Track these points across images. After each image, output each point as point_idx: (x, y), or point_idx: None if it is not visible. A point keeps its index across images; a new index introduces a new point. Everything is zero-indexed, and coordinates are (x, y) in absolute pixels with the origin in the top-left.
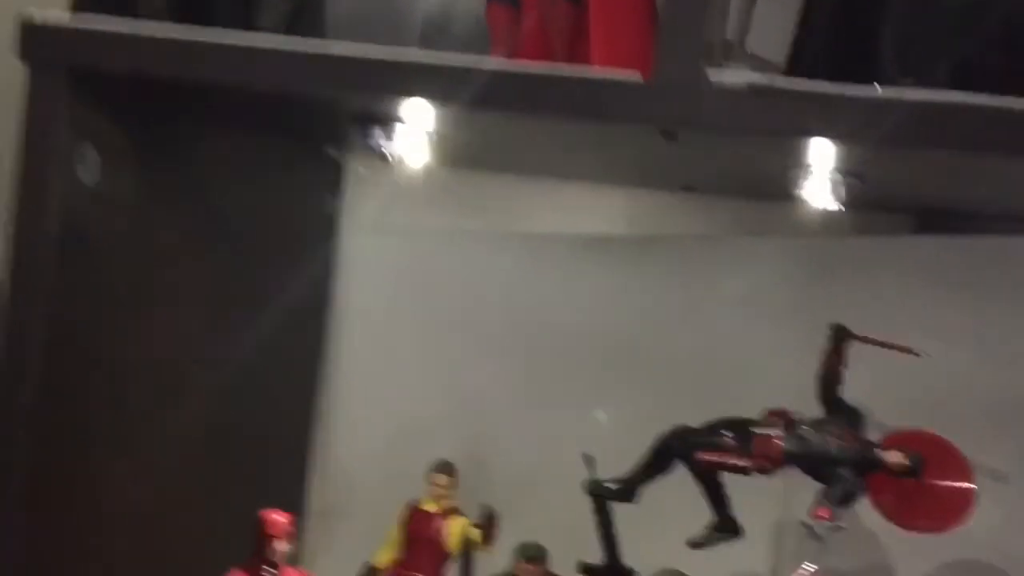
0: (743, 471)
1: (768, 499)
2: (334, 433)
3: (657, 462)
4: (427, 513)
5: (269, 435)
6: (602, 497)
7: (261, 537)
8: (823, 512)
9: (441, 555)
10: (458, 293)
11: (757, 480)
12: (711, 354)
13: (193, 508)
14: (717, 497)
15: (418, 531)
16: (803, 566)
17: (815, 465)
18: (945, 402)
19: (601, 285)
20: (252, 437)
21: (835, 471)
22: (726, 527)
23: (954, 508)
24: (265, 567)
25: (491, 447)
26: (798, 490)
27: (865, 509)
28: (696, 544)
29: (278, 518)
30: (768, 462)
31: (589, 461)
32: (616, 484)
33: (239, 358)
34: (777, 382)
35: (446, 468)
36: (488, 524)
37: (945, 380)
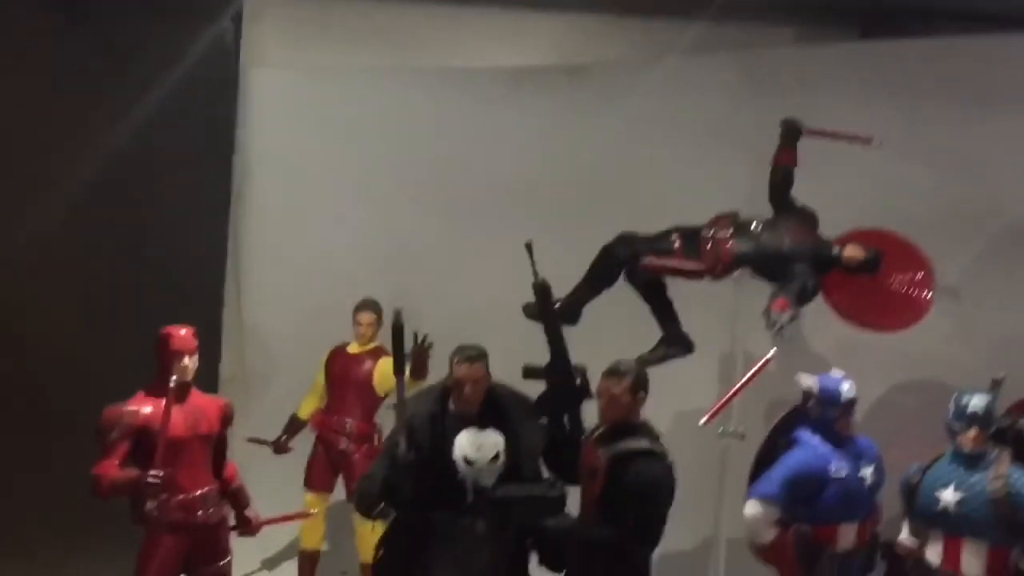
0: (694, 275)
1: (718, 318)
2: (248, 285)
3: (601, 272)
4: (353, 355)
5: (181, 288)
6: (543, 319)
7: (165, 355)
8: (781, 303)
9: (370, 397)
10: (374, 133)
11: (707, 300)
12: (655, 181)
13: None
14: (665, 311)
15: (344, 374)
16: (768, 354)
17: (768, 264)
18: (894, 210)
19: (531, 119)
20: (164, 290)
21: (790, 267)
22: (676, 341)
23: (913, 303)
24: (170, 386)
25: (420, 292)
26: (749, 305)
27: (813, 336)
28: (647, 362)
29: (180, 331)
30: (719, 264)
31: (529, 249)
32: (560, 304)
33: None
34: (725, 197)
35: (370, 306)
36: (418, 355)
37: (893, 190)
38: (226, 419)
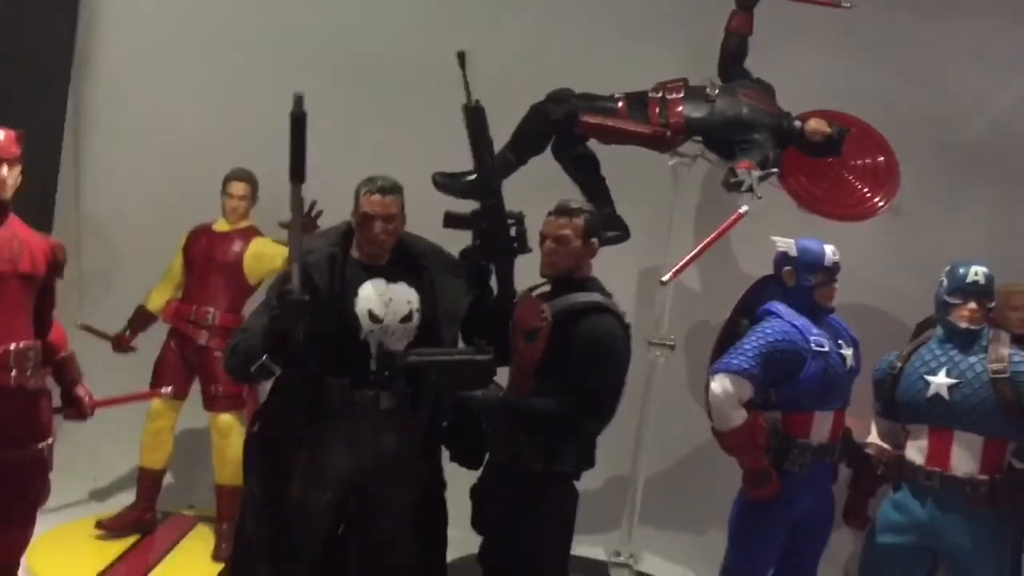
0: (637, 139)
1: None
2: (87, 165)
3: (529, 135)
4: (220, 234)
5: None
6: (474, 149)
7: None
8: (745, 164)
9: (239, 284)
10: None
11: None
12: (579, 75)
13: None
14: (598, 190)
15: (208, 256)
16: (740, 209)
17: (724, 132)
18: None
19: None
20: None
21: (749, 137)
22: (610, 225)
23: (874, 194)
24: None
25: (283, 176)
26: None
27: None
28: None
29: None
30: (668, 129)
31: (462, 60)
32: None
33: None
34: (659, 69)
35: (244, 176)
36: (304, 227)
37: (840, 96)
38: (55, 264)
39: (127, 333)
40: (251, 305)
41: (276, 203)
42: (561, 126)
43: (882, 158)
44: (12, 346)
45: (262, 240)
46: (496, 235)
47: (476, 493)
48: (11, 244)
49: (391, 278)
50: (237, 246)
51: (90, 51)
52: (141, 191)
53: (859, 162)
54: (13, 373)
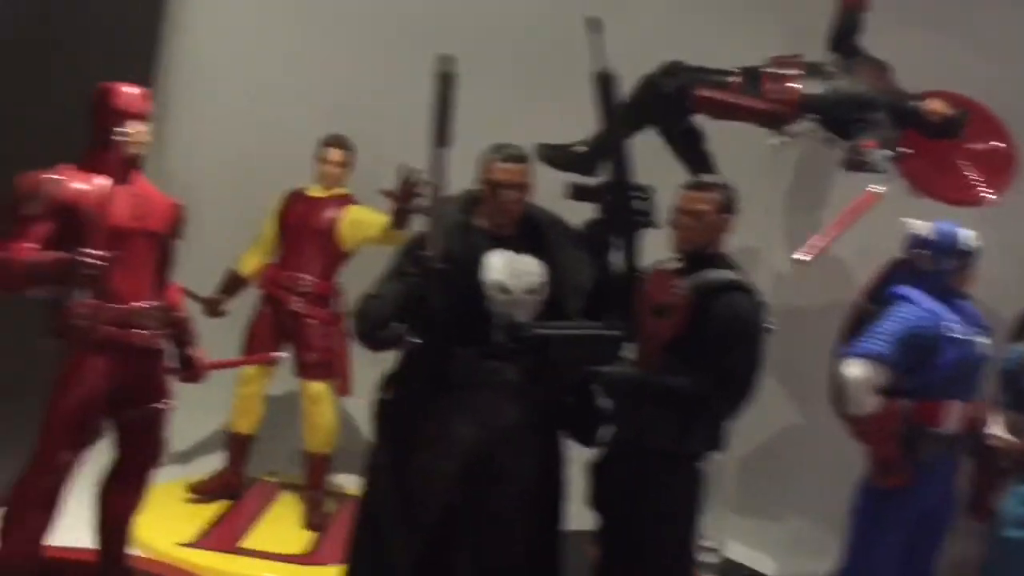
0: (752, 115)
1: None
2: (173, 126)
3: (640, 108)
4: (315, 200)
5: None
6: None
7: (104, 116)
8: (869, 143)
9: (333, 252)
10: None
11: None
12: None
13: None
14: (705, 166)
15: (303, 222)
16: (869, 187)
17: (843, 111)
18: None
19: None
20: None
21: (868, 116)
22: None
23: (995, 176)
24: (106, 154)
25: (379, 144)
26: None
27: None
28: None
29: (125, 88)
30: (783, 107)
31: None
32: (582, 148)
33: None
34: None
35: (341, 142)
36: (404, 195)
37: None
38: (178, 222)
39: (219, 298)
40: (345, 272)
41: (365, 171)
42: (673, 99)
43: (1002, 145)
44: (139, 305)
45: (357, 208)
46: (623, 209)
47: (595, 470)
48: (140, 202)
49: (517, 249)
50: (332, 212)
51: (177, 13)
52: (224, 154)
53: (976, 147)
54: (138, 332)
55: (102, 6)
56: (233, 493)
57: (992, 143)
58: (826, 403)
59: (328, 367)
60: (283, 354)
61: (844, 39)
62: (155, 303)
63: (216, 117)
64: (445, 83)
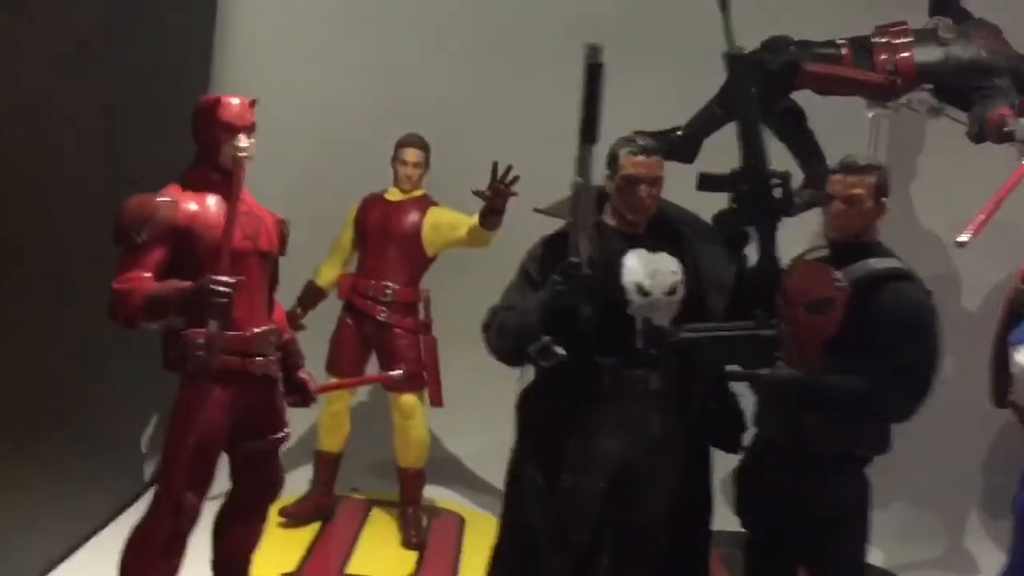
0: (865, 88)
1: None
2: None
3: (739, 83)
4: (394, 204)
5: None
6: (737, 104)
7: (210, 130)
8: (1003, 111)
9: (417, 257)
10: None
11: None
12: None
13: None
14: (808, 146)
15: (384, 228)
16: None
17: (961, 78)
18: None
19: None
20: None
21: (990, 83)
22: (819, 182)
23: None
24: (215, 172)
25: (443, 151)
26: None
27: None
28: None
29: (232, 100)
30: (897, 77)
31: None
32: (681, 131)
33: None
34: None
35: (417, 142)
36: (496, 195)
37: None
38: (284, 238)
39: (298, 311)
40: (428, 278)
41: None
42: (779, 76)
43: None
44: (256, 330)
45: (439, 209)
46: (759, 197)
47: (745, 478)
48: (249, 219)
49: (652, 247)
50: (413, 216)
51: (232, 18)
52: (288, 163)
53: None
54: (259, 360)
55: (158, 19)
56: (325, 514)
57: None
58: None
59: (418, 378)
60: (400, 371)
61: (949, 2)
62: (271, 327)
63: (277, 126)
64: (593, 74)
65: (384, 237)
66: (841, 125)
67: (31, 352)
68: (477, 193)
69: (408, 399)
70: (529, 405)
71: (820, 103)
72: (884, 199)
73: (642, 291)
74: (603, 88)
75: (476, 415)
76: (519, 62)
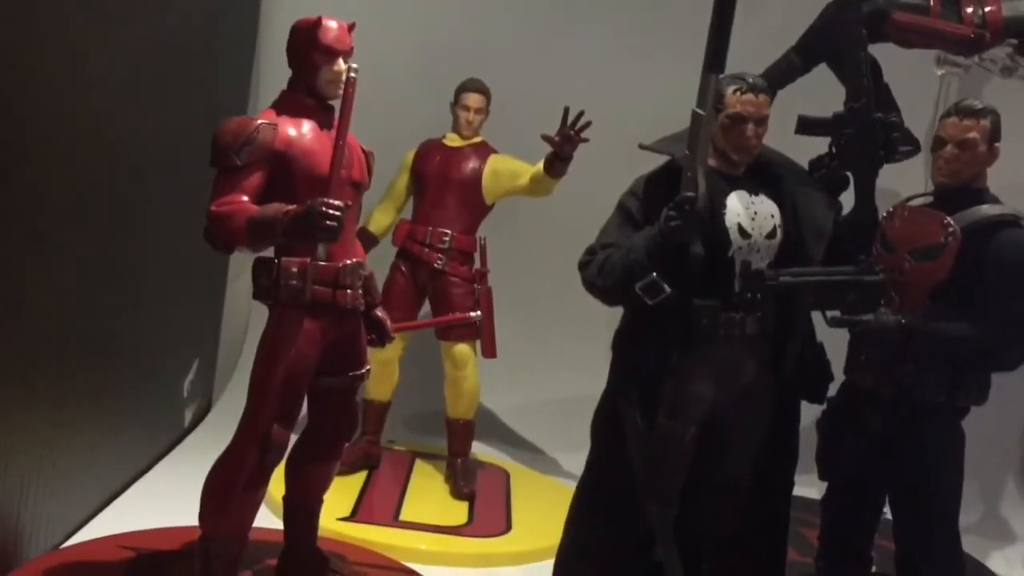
0: (952, 40)
1: None
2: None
3: (822, 36)
4: (454, 150)
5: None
6: (844, 45)
7: (308, 54)
8: None
9: (476, 205)
10: None
11: None
12: None
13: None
14: (883, 96)
15: (443, 174)
16: None
17: None
18: None
19: None
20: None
21: None
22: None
23: None
24: (311, 97)
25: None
26: None
27: None
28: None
29: (331, 23)
30: (986, 29)
31: None
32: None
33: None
34: None
35: (480, 87)
36: (565, 140)
37: None
38: (371, 170)
39: None
40: (485, 227)
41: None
42: (865, 26)
43: None
44: (348, 262)
45: (500, 157)
46: (863, 142)
47: (828, 428)
48: (345, 149)
49: (752, 190)
50: (474, 163)
51: (275, 11)
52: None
53: None
54: (349, 292)
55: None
56: (372, 463)
57: None
58: None
59: (472, 328)
60: (478, 313)
61: None
62: (360, 260)
63: None
64: (724, 2)
65: (443, 183)
66: (907, 83)
67: (80, 293)
68: (546, 139)
69: (462, 348)
70: (625, 345)
71: (889, 60)
72: (997, 144)
73: (744, 233)
74: (733, 12)
75: (522, 370)
76: (582, 6)
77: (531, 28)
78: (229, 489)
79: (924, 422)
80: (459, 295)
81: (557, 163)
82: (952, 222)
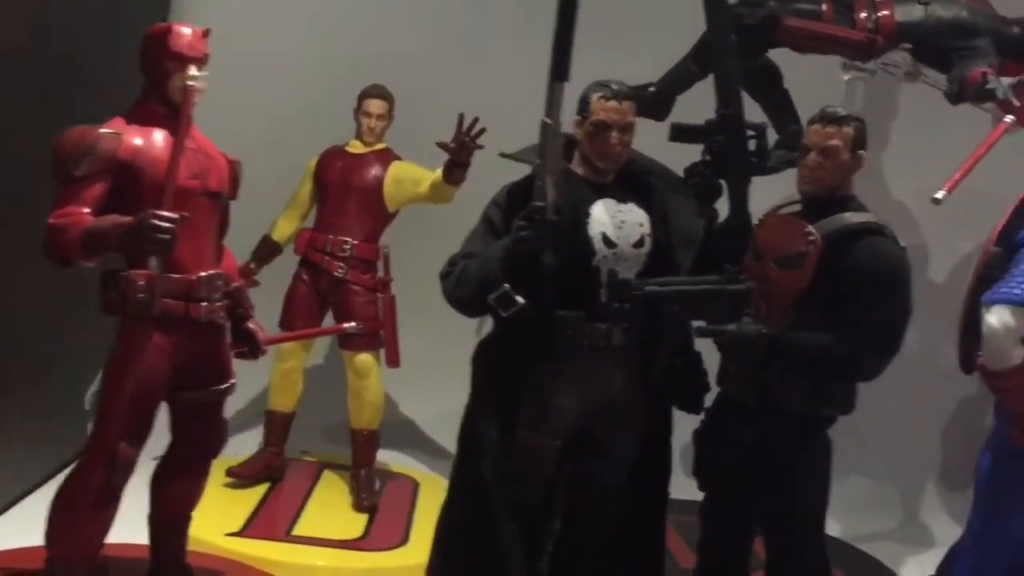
0: (845, 45)
1: None
2: None
3: (718, 29)
4: (356, 156)
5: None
6: (717, 52)
7: (159, 62)
8: (985, 69)
9: (378, 212)
10: None
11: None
12: None
13: None
14: (784, 106)
15: (344, 181)
16: (1004, 119)
17: (942, 38)
18: None
19: None
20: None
21: (971, 44)
22: (798, 145)
23: None
24: (162, 105)
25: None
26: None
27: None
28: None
29: (183, 29)
30: (878, 34)
31: None
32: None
33: None
34: None
35: (383, 92)
36: (461, 146)
37: None
38: (236, 180)
39: (252, 265)
40: (388, 235)
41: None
42: (757, 32)
43: None
44: (202, 274)
45: (402, 164)
46: (734, 149)
47: (704, 438)
48: (198, 157)
49: (620, 198)
50: (376, 170)
51: None
52: (249, 112)
53: None
54: (204, 305)
55: None
56: (274, 475)
57: None
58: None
59: (375, 337)
60: (354, 324)
61: None
62: (217, 271)
63: (238, 72)
64: (566, 6)
65: (344, 191)
66: (816, 88)
67: None
68: (441, 146)
69: (364, 358)
70: (486, 359)
71: (795, 65)
72: (861, 151)
73: (608, 242)
74: (575, 21)
75: (433, 378)
76: (486, 11)
77: (440, 34)
78: (75, 509)
79: (789, 432)
80: (361, 304)
81: (455, 170)
82: (813, 230)
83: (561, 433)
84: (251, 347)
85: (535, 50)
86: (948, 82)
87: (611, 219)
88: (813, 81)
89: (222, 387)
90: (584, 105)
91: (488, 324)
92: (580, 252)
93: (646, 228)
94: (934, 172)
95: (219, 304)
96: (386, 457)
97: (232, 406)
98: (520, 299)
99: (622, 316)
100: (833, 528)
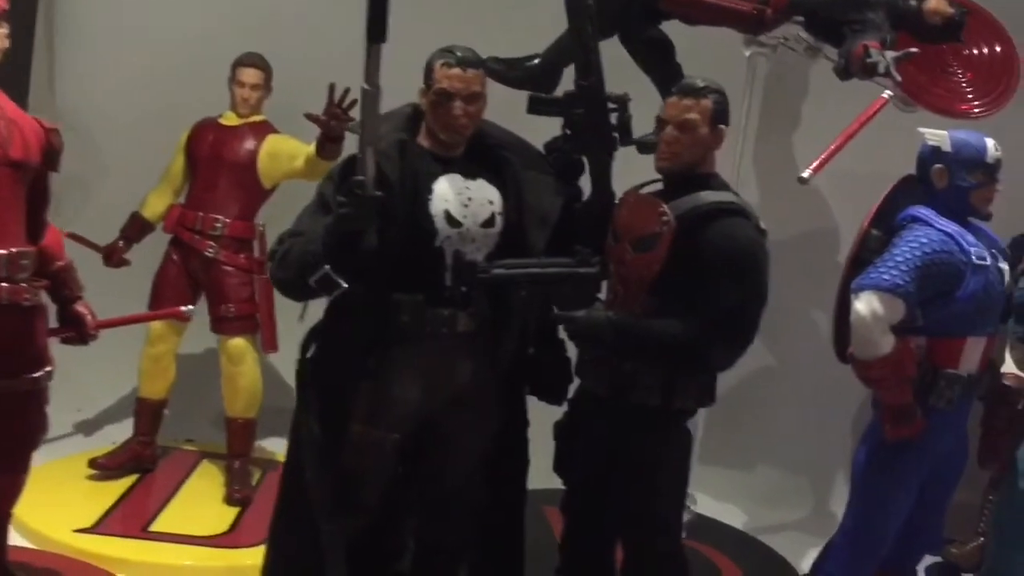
0: (732, 18)
1: None
2: (62, 59)
3: (603, 14)
4: (230, 129)
5: None
6: (573, 17)
7: None
8: (873, 44)
9: (252, 188)
10: None
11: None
12: None
13: None
14: (672, 76)
15: (216, 155)
16: (884, 93)
17: (834, 11)
18: None
19: None
20: None
21: (863, 17)
22: None
23: (993, 85)
24: None
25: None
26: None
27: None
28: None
29: None
30: (768, 7)
31: None
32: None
33: None
34: None
35: (257, 61)
36: (331, 119)
37: None
38: (51, 151)
39: (120, 244)
40: (265, 213)
41: (284, 96)
42: (641, 3)
43: (999, 48)
44: (2, 252)
45: (278, 137)
46: (594, 123)
47: (563, 431)
48: None
49: (469, 174)
50: (250, 143)
51: None
52: (126, 83)
53: (973, 51)
54: (4, 286)
55: None
56: (145, 466)
57: (990, 46)
58: (798, 344)
59: (249, 320)
60: (191, 307)
61: None
62: (23, 249)
63: (115, 41)
64: None
65: (216, 165)
66: (717, 66)
67: None
68: (311, 118)
69: (237, 343)
70: (315, 347)
71: (695, 40)
72: (722, 126)
73: (452, 221)
74: None
75: None
76: None
77: (329, 2)
78: None
79: (641, 425)
80: (234, 285)
81: (328, 144)
82: (667, 210)
83: (399, 426)
84: (79, 331)
85: (429, 19)
86: (838, 57)
87: (456, 196)
88: (716, 58)
89: (36, 375)
90: (428, 73)
91: (314, 309)
92: (421, 231)
93: (496, 206)
94: (846, 152)
95: (25, 285)
96: (273, 445)
97: (106, 394)
98: (343, 282)
99: (466, 300)
100: (739, 519)
